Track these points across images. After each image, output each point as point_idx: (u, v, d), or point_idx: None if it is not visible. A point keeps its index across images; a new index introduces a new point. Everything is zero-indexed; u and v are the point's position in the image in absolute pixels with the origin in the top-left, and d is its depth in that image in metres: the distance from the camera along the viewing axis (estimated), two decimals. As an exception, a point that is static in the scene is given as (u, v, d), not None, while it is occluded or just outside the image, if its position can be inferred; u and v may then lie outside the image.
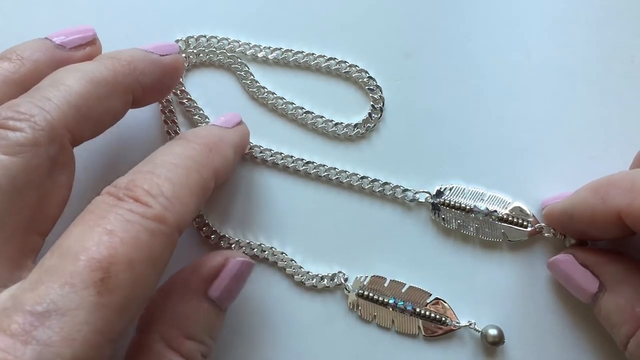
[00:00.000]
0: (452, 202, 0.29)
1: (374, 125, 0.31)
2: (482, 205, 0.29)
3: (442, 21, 0.32)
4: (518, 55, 0.31)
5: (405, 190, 0.29)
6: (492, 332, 0.27)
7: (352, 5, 0.32)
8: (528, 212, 0.28)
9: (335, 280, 0.28)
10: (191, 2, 0.32)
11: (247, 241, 0.29)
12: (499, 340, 0.27)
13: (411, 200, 0.29)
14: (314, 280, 0.28)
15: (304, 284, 0.28)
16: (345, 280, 0.28)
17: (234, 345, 0.28)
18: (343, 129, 0.30)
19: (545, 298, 0.28)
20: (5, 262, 0.19)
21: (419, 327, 0.28)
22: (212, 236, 0.29)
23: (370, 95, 0.31)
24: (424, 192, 0.29)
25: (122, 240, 0.19)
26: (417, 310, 0.28)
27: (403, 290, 0.28)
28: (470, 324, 0.27)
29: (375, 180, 0.29)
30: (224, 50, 0.31)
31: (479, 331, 0.27)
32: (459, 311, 0.28)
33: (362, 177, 0.29)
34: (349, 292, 0.28)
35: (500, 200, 0.29)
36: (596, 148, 0.29)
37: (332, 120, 0.30)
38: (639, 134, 0.29)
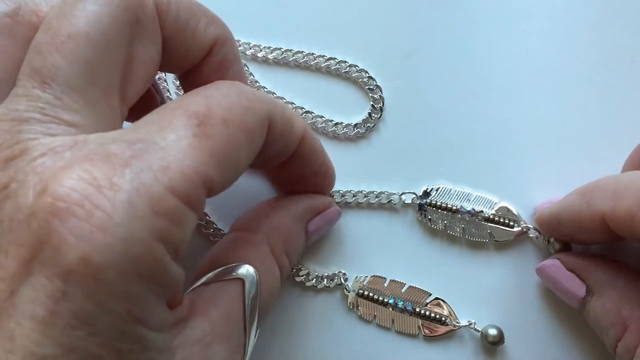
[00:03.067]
0: (439, 203, 0.29)
1: (374, 125, 0.31)
2: (468, 206, 0.29)
3: (442, 21, 0.32)
4: (518, 55, 0.31)
5: (391, 194, 0.29)
6: (492, 331, 0.27)
7: (352, 5, 0.32)
8: (515, 212, 0.28)
9: (335, 280, 0.28)
10: (191, 2, 0.32)
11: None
12: (499, 340, 0.27)
13: (396, 203, 0.29)
14: (314, 280, 0.28)
15: (304, 283, 0.28)
16: (345, 280, 0.28)
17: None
18: (343, 129, 0.30)
19: (544, 298, 0.28)
20: (99, 117, 0.19)
21: (418, 327, 0.28)
22: (212, 230, 0.29)
23: (370, 95, 0.31)
24: (409, 193, 0.29)
25: (219, 102, 0.19)
26: (417, 310, 0.28)
27: (403, 290, 0.28)
28: (470, 324, 0.27)
29: (359, 191, 0.29)
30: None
31: (479, 331, 0.27)
32: (458, 311, 0.28)
33: (343, 194, 0.29)
34: (348, 292, 0.28)
35: (486, 200, 0.29)
36: (596, 148, 0.29)
37: (332, 120, 0.30)
38: (639, 134, 0.29)
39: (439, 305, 0.28)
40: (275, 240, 0.24)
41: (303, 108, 0.31)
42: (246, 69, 0.31)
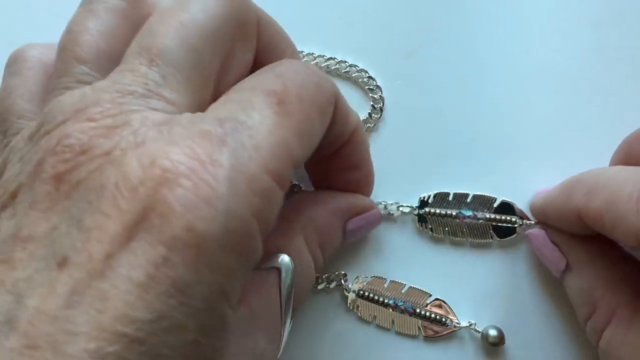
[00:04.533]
0: (437, 211, 0.29)
1: (374, 125, 0.30)
2: (467, 210, 0.28)
3: (443, 21, 0.32)
4: (519, 54, 0.31)
5: (388, 204, 0.29)
6: (493, 332, 0.27)
7: (352, 5, 0.32)
8: (515, 208, 0.28)
9: (335, 282, 0.28)
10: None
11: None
12: (499, 341, 0.27)
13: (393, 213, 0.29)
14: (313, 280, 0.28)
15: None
16: (345, 280, 0.28)
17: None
18: (343, 129, 0.30)
19: (545, 299, 0.28)
20: (194, 100, 0.20)
21: (419, 328, 0.27)
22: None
23: (370, 95, 0.31)
24: (407, 206, 0.29)
25: (292, 80, 0.20)
26: (417, 310, 0.27)
27: (403, 291, 0.28)
28: (471, 325, 0.27)
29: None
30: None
31: (479, 332, 0.27)
32: (459, 312, 0.28)
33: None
34: (348, 292, 0.28)
35: (485, 199, 0.29)
36: (597, 148, 0.29)
37: (332, 120, 0.30)
38: None
39: (439, 306, 0.28)
40: (311, 233, 0.24)
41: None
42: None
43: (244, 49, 0.22)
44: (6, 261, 0.16)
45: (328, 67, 0.31)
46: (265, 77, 0.20)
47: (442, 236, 0.29)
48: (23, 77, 0.22)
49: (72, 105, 0.18)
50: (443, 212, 0.28)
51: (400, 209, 0.29)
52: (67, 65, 0.20)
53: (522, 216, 0.28)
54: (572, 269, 0.26)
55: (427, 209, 0.29)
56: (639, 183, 0.22)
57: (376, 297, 0.28)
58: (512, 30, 0.32)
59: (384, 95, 0.31)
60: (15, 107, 0.22)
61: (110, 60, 0.20)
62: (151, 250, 0.16)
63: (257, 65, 0.23)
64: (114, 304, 0.15)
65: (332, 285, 0.28)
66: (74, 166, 0.17)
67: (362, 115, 0.31)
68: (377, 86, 0.31)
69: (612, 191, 0.22)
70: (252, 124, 0.18)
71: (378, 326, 0.28)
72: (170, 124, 0.18)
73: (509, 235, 0.28)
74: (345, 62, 0.31)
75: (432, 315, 0.27)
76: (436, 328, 0.27)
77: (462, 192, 0.29)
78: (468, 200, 0.29)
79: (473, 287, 0.28)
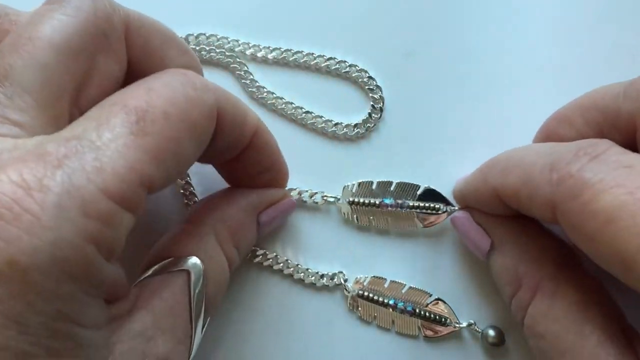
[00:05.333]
0: (361, 200, 0.29)
1: (374, 125, 0.30)
2: (389, 199, 0.28)
3: (442, 21, 0.32)
4: (518, 54, 0.31)
5: (314, 193, 0.29)
6: (493, 332, 0.27)
7: (352, 5, 0.32)
8: (439, 194, 0.28)
9: (335, 280, 0.28)
10: (191, 1, 0.32)
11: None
12: (499, 341, 0.27)
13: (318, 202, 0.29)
14: (313, 277, 0.28)
15: (304, 281, 0.28)
16: (345, 280, 0.28)
17: (235, 346, 0.27)
18: (343, 129, 0.30)
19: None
20: (47, 120, 0.19)
21: (419, 328, 0.27)
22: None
23: (370, 95, 0.31)
24: (331, 196, 0.29)
25: (160, 95, 0.19)
26: (418, 310, 0.27)
27: (403, 291, 0.28)
28: (471, 325, 0.27)
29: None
30: (224, 50, 0.31)
31: (479, 332, 0.27)
32: (459, 312, 0.28)
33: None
34: (348, 292, 0.28)
35: (408, 186, 0.29)
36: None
37: (332, 120, 0.30)
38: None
39: (439, 306, 0.28)
40: (222, 232, 0.24)
41: (302, 108, 0.31)
42: (245, 68, 0.31)
43: (108, 61, 0.21)
44: None
45: (328, 67, 0.31)
46: (131, 92, 0.20)
47: (367, 224, 0.29)
48: None
49: None
50: (366, 201, 0.29)
51: (325, 198, 0.29)
52: None
53: (447, 203, 0.28)
54: (497, 248, 0.25)
55: (350, 199, 0.29)
56: (550, 156, 0.22)
57: (376, 298, 0.28)
58: (511, 30, 0.32)
59: (384, 95, 0.31)
60: None
61: None
62: None
63: (134, 74, 0.22)
64: None
65: (332, 284, 0.28)
66: None
67: (362, 115, 0.31)
68: (377, 86, 0.31)
69: (526, 166, 0.22)
70: (101, 144, 0.17)
71: (378, 326, 0.28)
72: (12, 150, 0.17)
73: (435, 222, 0.28)
74: (345, 62, 0.31)
75: (433, 316, 0.27)
76: (436, 328, 0.27)
77: (386, 180, 0.29)
78: (391, 188, 0.29)
79: (473, 287, 0.28)
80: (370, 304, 0.28)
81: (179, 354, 0.21)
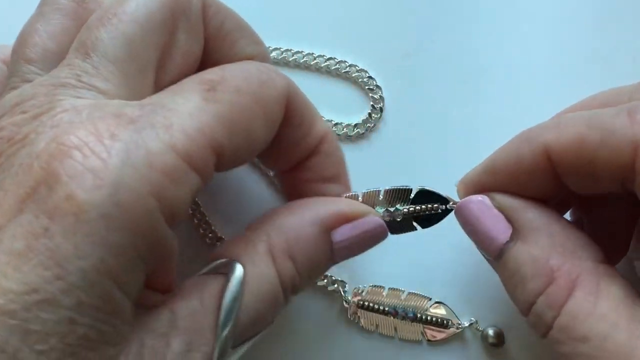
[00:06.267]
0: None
1: (374, 126, 0.30)
2: (380, 208, 0.25)
3: (443, 21, 0.32)
4: (519, 54, 0.31)
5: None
6: (493, 333, 0.27)
7: (352, 5, 0.32)
8: (435, 193, 0.25)
9: (335, 286, 0.28)
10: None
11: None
12: (499, 341, 0.27)
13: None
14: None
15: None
16: (345, 292, 0.28)
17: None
18: (343, 129, 0.30)
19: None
20: (130, 90, 0.20)
21: (421, 333, 0.27)
22: (210, 235, 0.29)
23: (370, 95, 0.31)
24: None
25: (235, 73, 0.20)
26: (419, 315, 0.27)
27: (402, 298, 0.28)
28: (472, 323, 0.27)
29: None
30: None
31: (480, 330, 0.27)
32: (459, 313, 0.27)
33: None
34: (348, 304, 0.28)
35: (399, 192, 0.25)
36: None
37: (332, 120, 0.30)
38: None
39: (440, 309, 0.27)
40: (278, 242, 0.21)
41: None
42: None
43: (187, 39, 0.22)
44: None
45: (328, 67, 0.31)
46: (210, 69, 0.21)
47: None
48: None
49: (11, 100, 0.19)
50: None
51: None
52: (16, 66, 0.21)
53: (445, 201, 0.25)
54: (521, 237, 0.22)
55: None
56: (627, 104, 0.20)
57: (376, 307, 0.27)
58: (512, 31, 0.32)
59: (383, 95, 0.31)
60: None
61: (60, 59, 0.21)
62: (35, 220, 0.16)
63: (207, 56, 0.23)
64: None
65: (331, 288, 0.28)
66: (0, 154, 0.18)
67: (362, 115, 0.31)
68: (377, 86, 0.31)
69: (590, 115, 0.20)
70: (173, 107, 0.18)
71: (381, 334, 0.28)
72: (91, 107, 0.18)
73: (436, 222, 0.25)
74: (345, 62, 0.31)
75: (434, 319, 0.27)
76: (439, 331, 0.27)
77: (374, 189, 0.25)
78: (380, 197, 0.25)
79: (473, 288, 0.28)
80: (371, 313, 0.28)
81: None
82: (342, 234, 0.22)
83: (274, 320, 0.22)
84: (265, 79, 0.21)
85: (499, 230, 0.22)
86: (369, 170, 0.30)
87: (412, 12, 0.32)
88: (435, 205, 0.25)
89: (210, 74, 0.20)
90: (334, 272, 0.28)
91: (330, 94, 0.31)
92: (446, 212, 0.25)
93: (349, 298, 0.28)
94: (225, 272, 0.20)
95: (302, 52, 0.31)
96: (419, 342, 0.27)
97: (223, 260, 0.21)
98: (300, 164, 0.24)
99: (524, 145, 0.22)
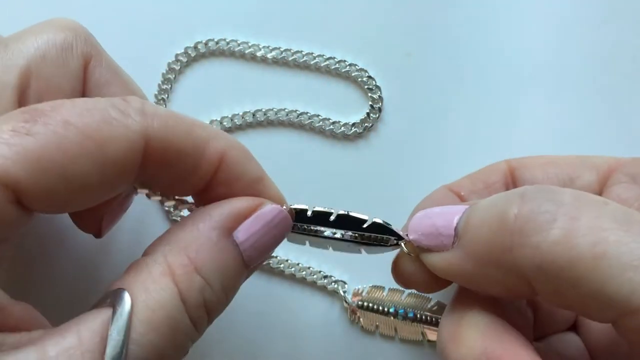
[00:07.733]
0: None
1: (372, 125, 0.30)
2: (331, 231, 0.23)
3: (442, 21, 0.32)
4: (519, 54, 0.31)
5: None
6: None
7: (352, 5, 0.32)
8: (390, 228, 0.23)
9: (335, 285, 0.28)
10: (190, 1, 0.32)
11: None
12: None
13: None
14: (315, 276, 0.28)
15: (306, 279, 0.28)
16: (345, 292, 0.28)
17: (238, 348, 0.28)
18: (340, 128, 0.30)
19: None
20: None
21: (422, 333, 0.27)
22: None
23: (370, 94, 0.31)
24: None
25: (74, 105, 0.19)
26: (419, 315, 0.27)
27: (403, 298, 0.28)
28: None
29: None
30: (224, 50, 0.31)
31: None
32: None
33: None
34: (348, 304, 0.28)
35: (355, 219, 0.23)
36: (598, 148, 0.29)
37: (330, 119, 0.30)
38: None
39: (441, 308, 0.27)
40: (175, 258, 0.19)
41: (297, 111, 0.30)
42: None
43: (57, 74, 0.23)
44: None
45: (327, 67, 0.31)
46: (51, 101, 0.19)
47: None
48: None
49: None
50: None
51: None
52: None
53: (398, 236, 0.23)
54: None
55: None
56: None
57: (376, 307, 0.27)
58: (511, 31, 0.31)
59: (383, 95, 0.31)
60: None
61: None
62: None
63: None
64: None
65: (332, 287, 0.28)
66: None
67: (361, 115, 0.30)
68: (377, 86, 0.31)
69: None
70: None
71: (381, 335, 0.28)
72: None
73: (380, 253, 0.23)
74: (345, 61, 0.31)
75: (435, 319, 0.27)
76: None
77: (326, 210, 0.23)
78: (331, 219, 0.23)
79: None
80: (372, 313, 0.28)
81: None
82: (243, 231, 0.21)
83: (187, 350, 0.20)
84: (113, 117, 0.19)
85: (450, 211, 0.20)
86: (365, 169, 0.30)
87: (412, 11, 0.32)
88: (386, 237, 0.23)
89: (46, 104, 0.18)
90: (334, 272, 0.28)
91: (329, 93, 0.31)
92: (396, 246, 0.23)
93: (349, 298, 0.28)
94: (113, 303, 0.18)
95: (301, 51, 0.31)
96: (419, 342, 0.27)
97: (110, 290, 0.19)
98: (206, 189, 0.22)
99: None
